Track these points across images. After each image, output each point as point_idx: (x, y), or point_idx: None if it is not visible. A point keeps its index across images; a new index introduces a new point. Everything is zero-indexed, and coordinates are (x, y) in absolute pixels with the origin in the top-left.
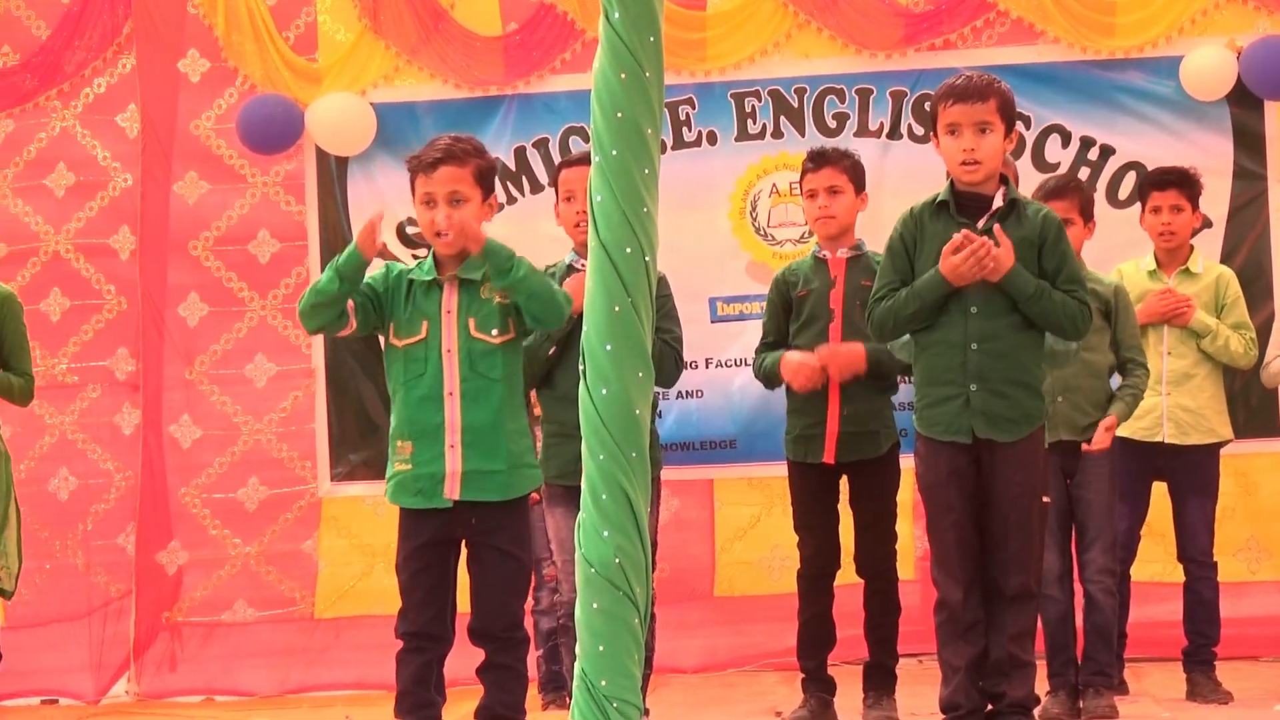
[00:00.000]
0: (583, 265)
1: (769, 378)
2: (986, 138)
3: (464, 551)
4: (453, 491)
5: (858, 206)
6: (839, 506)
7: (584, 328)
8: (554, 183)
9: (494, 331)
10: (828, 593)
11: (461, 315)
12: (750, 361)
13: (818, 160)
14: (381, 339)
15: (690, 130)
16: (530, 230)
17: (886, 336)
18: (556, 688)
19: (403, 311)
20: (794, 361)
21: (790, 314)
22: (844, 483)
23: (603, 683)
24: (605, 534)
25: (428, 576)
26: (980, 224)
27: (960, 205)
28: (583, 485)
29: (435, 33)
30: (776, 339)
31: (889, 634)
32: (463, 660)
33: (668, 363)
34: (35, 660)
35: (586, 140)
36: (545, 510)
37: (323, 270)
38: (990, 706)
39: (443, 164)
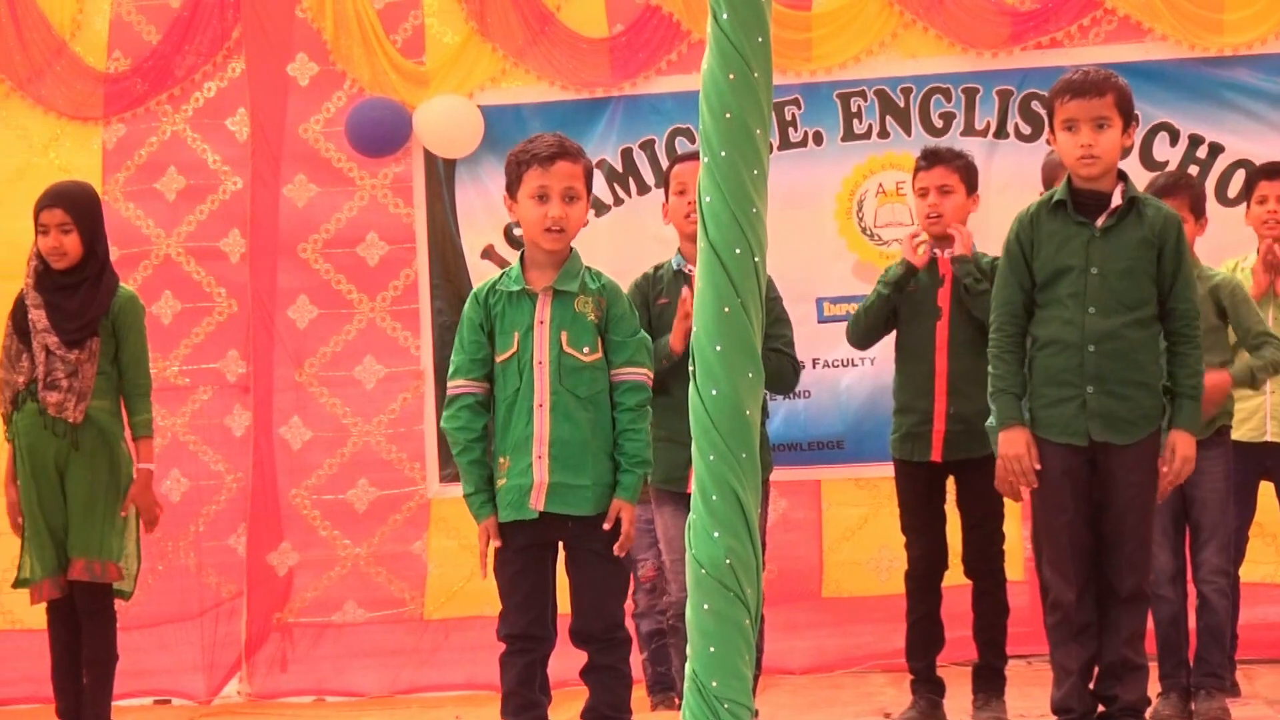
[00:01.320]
0: (689, 269)
1: (881, 292)
2: (1104, 133)
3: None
4: (538, 503)
5: (968, 207)
6: (946, 507)
7: (694, 329)
8: (665, 178)
9: (585, 349)
10: (936, 593)
11: (554, 328)
12: (857, 362)
13: (930, 159)
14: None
15: (796, 131)
16: (637, 230)
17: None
18: (665, 689)
19: (498, 326)
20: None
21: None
22: (950, 483)
23: (714, 684)
24: (716, 535)
25: (526, 579)
26: (1099, 222)
27: (1078, 203)
28: (693, 486)
29: (542, 35)
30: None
31: (997, 635)
32: (567, 662)
33: (786, 372)
34: (148, 660)
35: (692, 141)
36: (654, 512)
37: (431, 273)
38: (1102, 709)
39: (560, 159)
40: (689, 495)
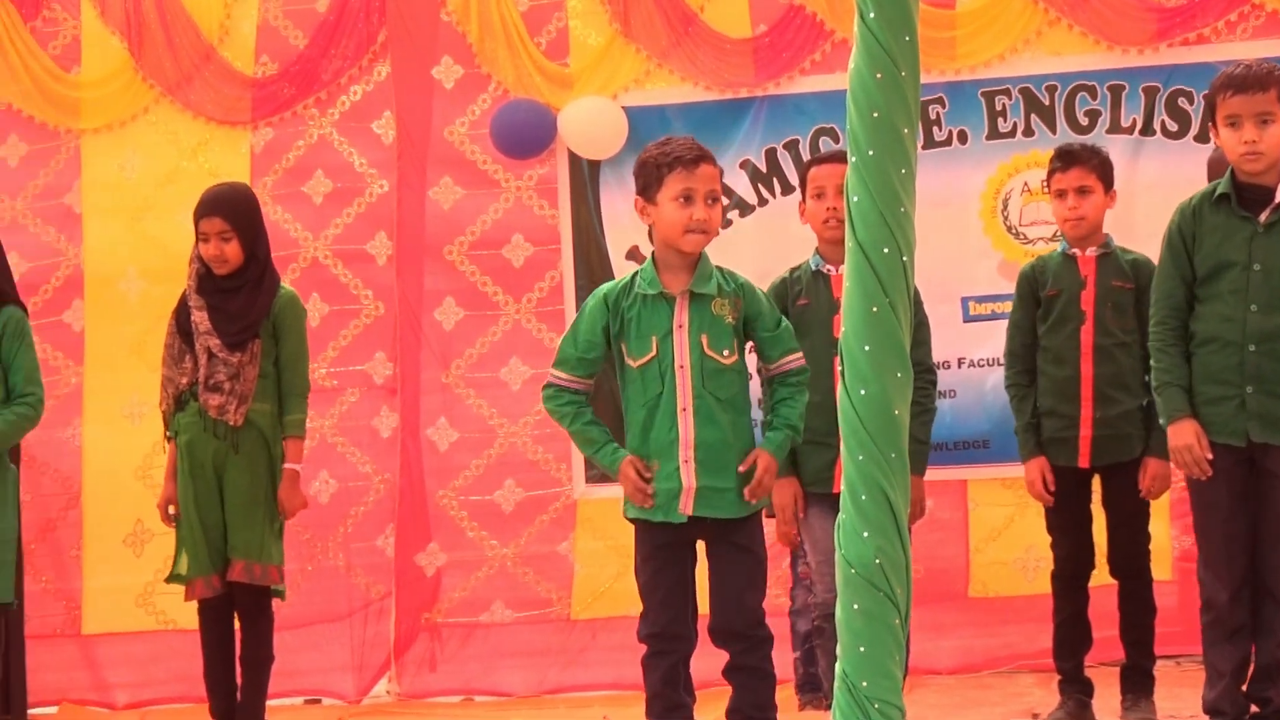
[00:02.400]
0: (828, 270)
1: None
2: (1268, 128)
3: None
4: (687, 507)
5: (1106, 205)
6: (1092, 506)
7: (842, 329)
8: (801, 180)
9: (725, 352)
10: (1083, 593)
11: (694, 331)
12: (1003, 362)
13: (1066, 159)
14: (615, 360)
15: (941, 130)
16: (781, 230)
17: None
18: (813, 689)
19: (632, 330)
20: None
21: (1039, 310)
22: (1096, 482)
23: (864, 684)
24: (865, 534)
25: (666, 576)
26: (1263, 218)
27: (1241, 197)
28: (841, 486)
29: (685, 36)
30: (1023, 345)
31: (1145, 635)
32: (708, 661)
33: (929, 403)
34: (299, 660)
35: (837, 141)
36: (804, 508)
37: (576, 275)
38: (1254, 710)
39: (702, 161)
40: (835, 496)
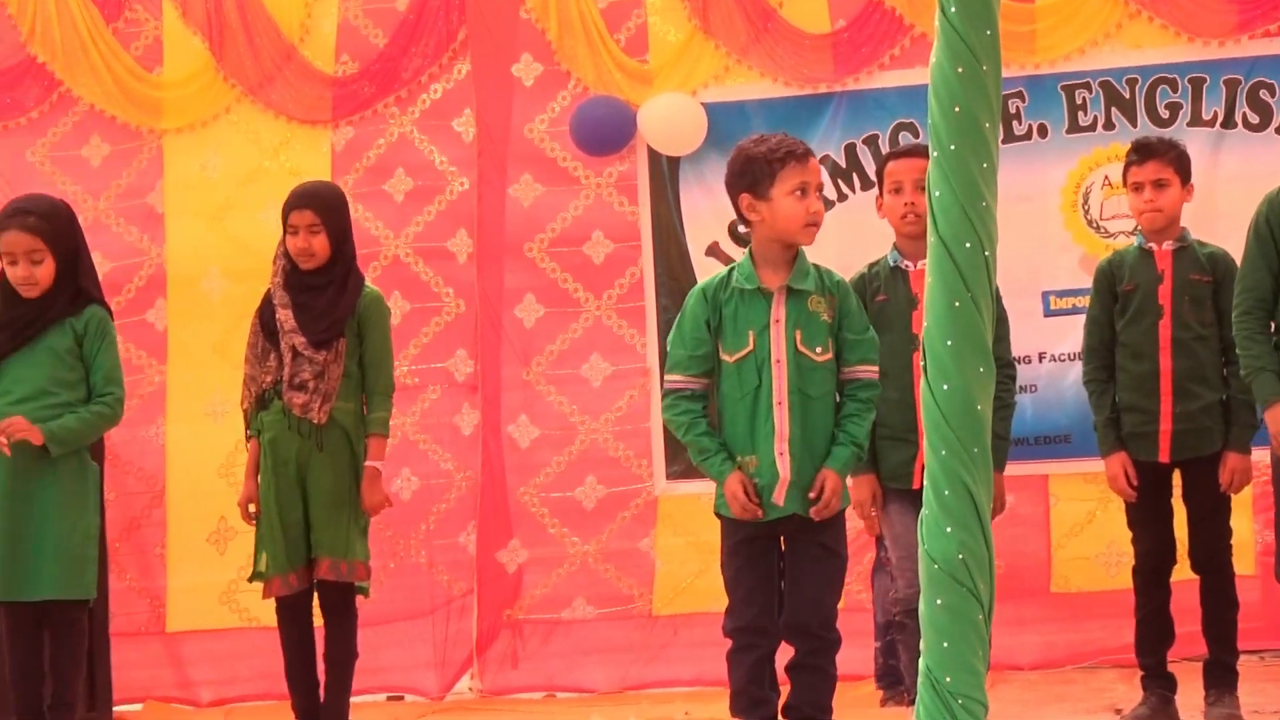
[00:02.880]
0: (906, 265)
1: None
2: None
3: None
4: (780, 497)
5: (1184, 198)
6: (1172, 501)
7: (924, 324)
8: (879, 175)
9: (818, 349)
10: (1164, 588)
11: (789, 326)
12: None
13: (1143, 153)
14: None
15: (1020, 124)
16: (861, 225)
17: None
18: (893, 682)
19: (729, 325)
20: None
21: (1116, 304)
22: (1176, 477)
23: (947, 679)
24: (948, 530)
25: (752, 572)
26: None
27: None
28: (924, 481)
29: (765, 32)
30: (1101, 340)
31: (1227, 630)
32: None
33: (1009, 398)
34: (382, 657)
35: (916, 136)
36: (884, 503)
37: (656, 271)
38: None
39: (812, 155)
40: (915, 492)
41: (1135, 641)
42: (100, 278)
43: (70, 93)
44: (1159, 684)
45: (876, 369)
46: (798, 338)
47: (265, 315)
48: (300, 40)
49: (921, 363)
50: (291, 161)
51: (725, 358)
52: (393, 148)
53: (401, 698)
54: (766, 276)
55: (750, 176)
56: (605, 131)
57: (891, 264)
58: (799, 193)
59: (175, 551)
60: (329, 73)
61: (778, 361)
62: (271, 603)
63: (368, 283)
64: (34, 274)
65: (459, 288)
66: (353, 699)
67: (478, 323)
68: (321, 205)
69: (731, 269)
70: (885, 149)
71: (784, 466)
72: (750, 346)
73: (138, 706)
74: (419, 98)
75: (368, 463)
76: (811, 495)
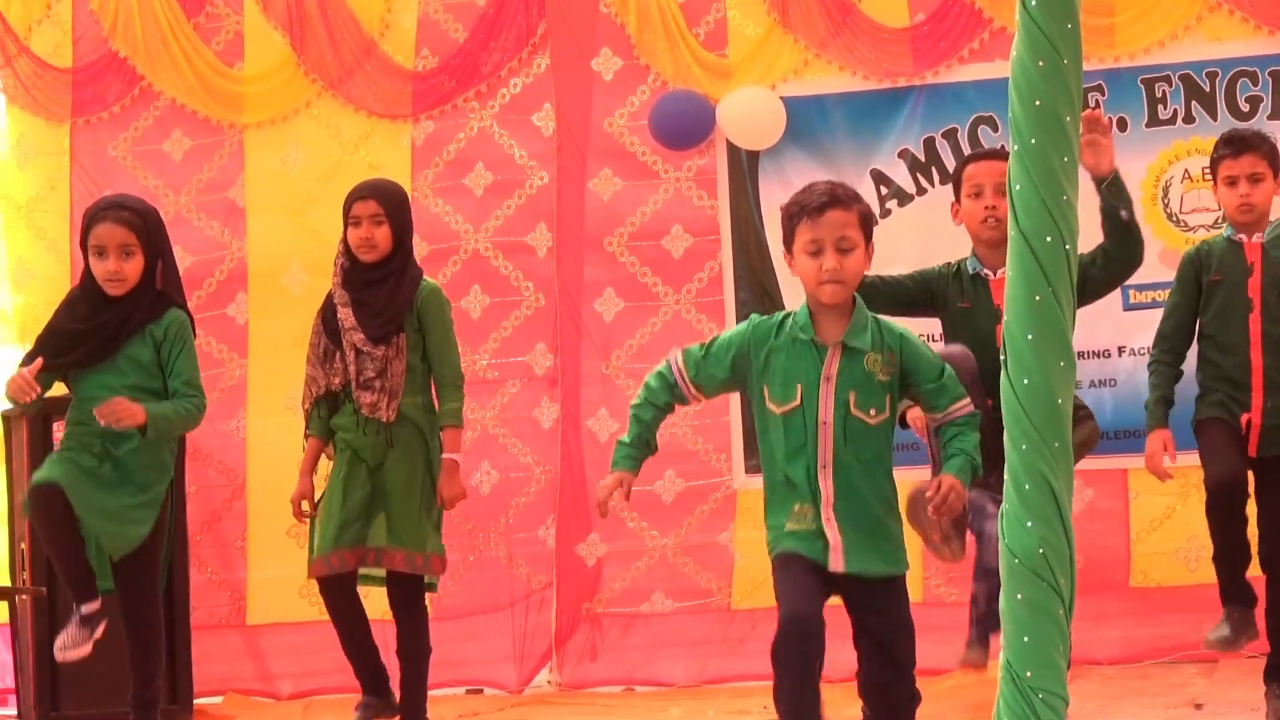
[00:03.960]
0: (987, 274)
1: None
2: None
3: None
4: (836, 564)
5: (1276, 191)
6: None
7: (1004, 318)
8: (955, 179)
9: (872, 411)
10: (1239, 517)
11: (841, 386)
12: None
13: (1237, 146)
14: (752, 398)
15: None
16: (940, 219)
17: None
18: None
19: (778, 374)
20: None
21: (1201, 296)
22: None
23: (1028, 674)
24: (1029, 525)
25: (800, 568)
26: None
27: None
28: (1005, 476)
29: (844, 26)
30: (1175, 326)
31: None
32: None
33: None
34: (461, 651)
35: (995, 130)
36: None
37: (735, 265)
38: None
39: (831, 208)
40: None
41: (1214, 560)
42: (181, 272)
43: (151, 87)
44: (1238, 598)
45: (969, 400)
46: (851, 399)
47: (327, 315)
48: (380, 35)
49: (1001, 357)
50: (372, 156)
51: (772, 408)
52: (472, 142)
53: (481, 691)
54: (822, 329)
55: (785, 231)
56: (684, 125)
57: (972, 271)
58: (812, 253)
59: (255, 545)
60: (409, 67)
61: (824, 423)
62: (312, 579)
63: (426, 276)
64: (123, 269)
65: (539, 282)
66: (431, 692)
67: (557, 317)
68: (384, 197)
69: (789, 315)
70: (964, 143)
71: (832, 534)
72: (798, 401)
73: (218, 699)
74: (499, 92)
75: (445, 455)
76: (929, 495)
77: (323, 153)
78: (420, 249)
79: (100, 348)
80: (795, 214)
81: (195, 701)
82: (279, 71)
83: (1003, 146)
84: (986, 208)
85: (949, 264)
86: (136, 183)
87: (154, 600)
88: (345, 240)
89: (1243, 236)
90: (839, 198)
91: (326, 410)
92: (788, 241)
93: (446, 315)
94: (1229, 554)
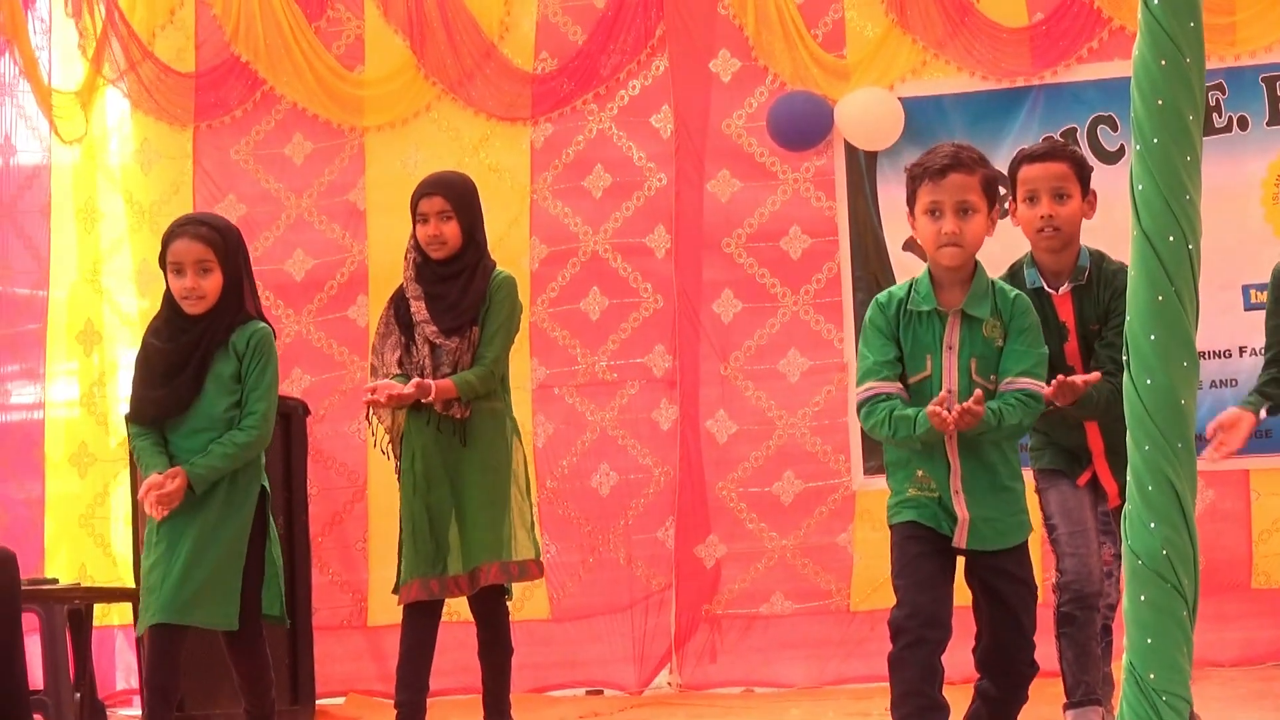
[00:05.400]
0: (1049, 290)
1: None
2: None
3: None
4: (961, 540)
5: None
6: None
7: (1128, 318)
8: (1011, 178)
9: (992, 377)
10: None
11: (964, 353)
12: None
13: None
14: None
15: (1220, 116)
16: None
17: None
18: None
19: (908, 347)
20: None
21: None
22: None
23: (1151, 676)
24: (1152, 526)
25: (927, 562)
26: None
27: None
28: (1129, 476)
29: (962, 26)
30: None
31: None
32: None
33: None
34: (581, 652)
35: (1115, 129)
36: (1044, 490)
37: (853, 266)
38: None
39: (954, 170)
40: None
41: None
42: (302, 275)
43: (273, 91)
44: None
45: (1041, 382)
46: (973, 367)
47: (399, 308)
48: (500, 38)
49: (1124, 357)
50: (492, 158)
51: (908, 378)
52: (591, 144)
53: (600, 692)
54: (943, 297)
55: (908, 192)
56: (803, 126)
57: (1031, 285)
58: (931, 213)
59: (376, 546)
60: (528, 70)
61: (949, 391)
62: (462, 602)
63: (500, 269)
64: (201, 285)
65: (657, 283)
66: (551, 693)
67: (676, 318)
68: (450, 191)
69: (911, 284)
70: (1083, 142)
71: (959, 506)
72: (927, 371)
73: (340, 700)
74: (617, 94)
75: (435, 388)
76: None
77: (443, 155)
78: (539, 251)
79: (182, 389)
80: (918, 175)
81: (317, 702)
82: (399, 75)
83: (1063, 144)
84: (1042, 216)
85: (1010, 271)
86: (258, 186)
87: (257, 625)
88: (414, 236)
89: None
90: (962, 160)
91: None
92: (911, 202)
93: (508, 305)
94: None
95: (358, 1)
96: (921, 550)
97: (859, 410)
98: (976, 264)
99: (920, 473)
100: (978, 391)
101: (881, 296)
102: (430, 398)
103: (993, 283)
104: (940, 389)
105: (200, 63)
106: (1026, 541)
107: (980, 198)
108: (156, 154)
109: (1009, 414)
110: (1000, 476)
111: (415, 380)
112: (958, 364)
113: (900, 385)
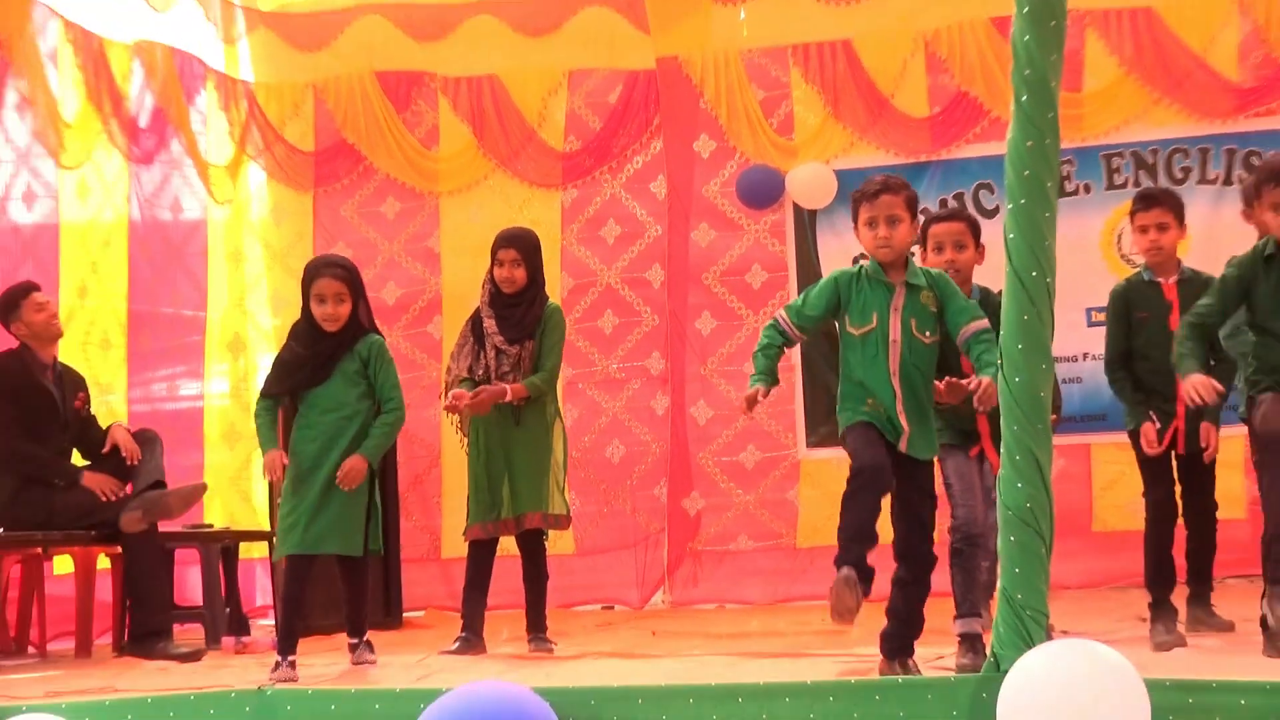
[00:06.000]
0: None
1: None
2: None
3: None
4: (903, 447)
5: (1180, 237)
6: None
7: (1002, 332)
8: (923, 235)
9: (927, 333)
10: (1169, 536)
11: (905, 314)
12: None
13: (1148, 201)
14: (838, 326)
15: (1071, 184)
16: None
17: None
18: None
19: (854, 304)
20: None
21: (1129, 325)
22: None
23: (1019, 596)
24: (1019, 485)
25: (873, 435)
26: None
27: None
28: (1001, 449)
29: (880, 116)
30: (1117, 353)
31: (1206, 563)
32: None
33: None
34: (598, 578)
35: (993, 193)
36: (944, 459)
37: (799, 293)
38: None
39: (883, 193)
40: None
41: (1146, 578)
42: (393, 302)
43: (372, 165)
44: (1163, 610)
45: (985, 318)
46: (913, 324)
47: (475, 324)
48: (539, 126)
49: (998, 361)
50: (532, 215)
51: (852, 331)
52: (606, 204)
53: (612, 607)
54: (890, 275)
55: (851, 212)
56: (761, 191)
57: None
58: (869, 225)
59: (447, 500)
60: (559, 149)
61: (894, 341)
62: (512, 542)
63: (552, 300)
64: (338, 312)
65: (654, 306)
66: (574, 609)
67: (668, 332)
68: (522, 245)
69: (862, 266)
70: (969, 203)
71: (904, 423)
72: (873, 325)
73: (421, 613)
74: (625, 167)
75: (510, 390)
76: (971, 387)
77: (497, 212)
78: (567, 283)
79: (316, 372)
80: (859, 198)
81: (404, 614)
82: (464, 153)
83: (961, 210)
84: (947, 261)
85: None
86: (360, 235)
87: (364, 559)
88: (491, 273)
89: (1159, 279)
90: (890, 185)
91: (467, 388)
92: (854, 218)
93: (558, 330)
94: (1160, 573)
95: (434, 98)
96: (871, 433)
97: (771, 321)
98: (907, 258)
99: (870, 401)
100: (986, 380)
101: (837, 274)
102: (509, 398)
103: (921, 269)
104: (888, 337)
105: (318, 144)
106: (934, 460)
107: (904, 211)
108: (285, 212)
109: (991, 355)
110: (925, 405)
111: (500, 385)
112: (901, 321)
113: (800, 335)
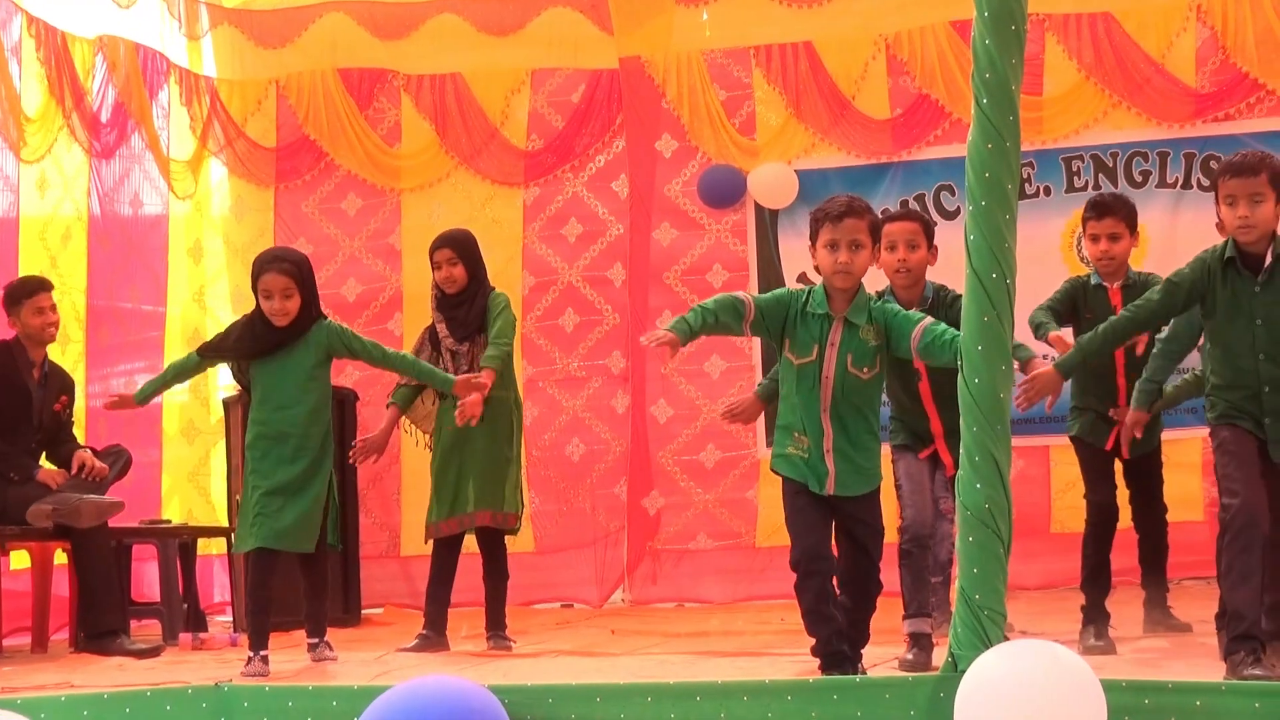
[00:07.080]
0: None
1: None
2: (1260, 207)
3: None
4: (830, 489)
5: (1133, 245)
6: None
7: (962, 333)
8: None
9: (864, 369)
10: (1108, 540)
11: (842, 351)
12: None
13: (1100, 210)
14: (778, 347)
15: (1031, 186)
16: None
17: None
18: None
19: (797, 333)
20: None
21: (1073, 308)
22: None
23: (977, 596)
24: (978, 486)
25: (809, 513)
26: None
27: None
28: (961, 450)
29: (841, 118)
30: (1049, 307)
31: (1160, 565)
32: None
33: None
34: (557, 576)
35: (954, 195)
36: (896, 460)
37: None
38: None
39: (847, 216)
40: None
41: (1082, 579)
42: (353, 298)
43: (333, 161)
44: (1096, 614)
45: (925, 316)
46: (848, 360)
47: (432, 332)
48: (501, 124)
49: (958, 362)
50: (494, 213)
51: (791, 358)
52: (568, 202)
53: (571, 605)
54: (833, 305)
55: (811, 230)
56: (723, 191)
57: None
58: (830, 247)
59: (406, 496)
60: (522, 147)
61: (826, 378)
62: (458, 539)
63: (496, 290)
64: (286, 307)
65: (615, 305)
66: (533, 606)
67: (629, 331)
68: (455, 243)
69: (811, 291)
70: (930, 204)
71: (830, 464)
72: (812, 356)
73: (379, 610)
74: (587, 165)
75: (481, 372)
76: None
77: (459, 210)
78: (529, 281)
79: (260, 353)
80: (820, 218)
81: (363, 611)
82: (427, 150)
83: (915, 210)
84: (899, 260)
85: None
86: (322, 231)
87: (323, 551)
88: (434, 277)
89: (1107, 284)
90: (855, 209)
91: (409, 392)
92: (813, 237)
93: (504, 313)
94: (1096, 577)
95: (396, 95)
96: (804, 502)
97: (736, 294)
98: (860, 285)
99: (796, 434)
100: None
101: (788, 293)
102: (488, 385)
103: (869, 298)
104: (821, 372)
105: (280, 140)
106: (878, 490)
107: (867, 237)
108: (247, 208)
109: (944, 328)
110: (862, 440)
111: (475, 377)
112: (837, 356)
113: (750, 316)
